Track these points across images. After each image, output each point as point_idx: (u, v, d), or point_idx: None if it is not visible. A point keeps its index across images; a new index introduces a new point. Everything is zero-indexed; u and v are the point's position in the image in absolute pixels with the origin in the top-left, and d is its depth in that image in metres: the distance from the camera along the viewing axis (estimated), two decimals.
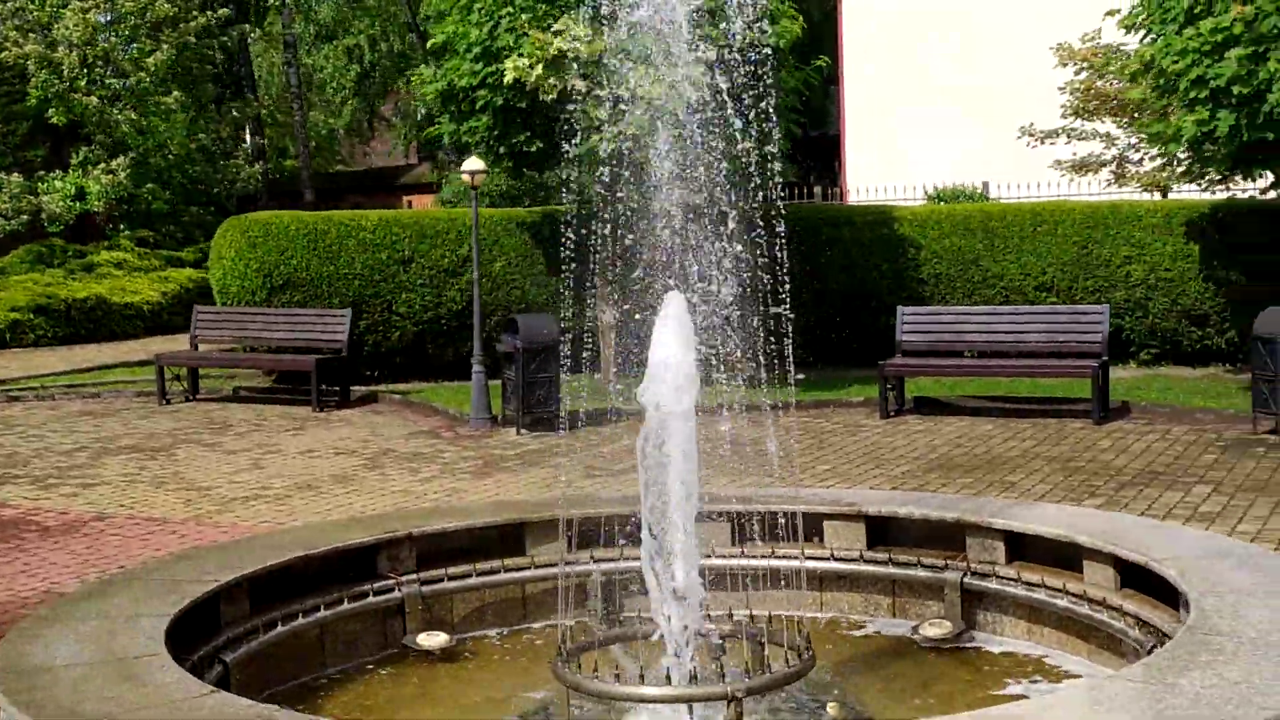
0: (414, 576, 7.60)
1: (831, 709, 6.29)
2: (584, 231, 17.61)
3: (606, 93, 14.51)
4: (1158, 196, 20.95)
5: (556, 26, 14.57)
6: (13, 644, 5.69)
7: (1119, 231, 18.13)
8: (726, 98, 7.16)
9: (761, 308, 7.31)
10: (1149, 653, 6.13)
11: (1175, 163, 18.41)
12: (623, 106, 13.77)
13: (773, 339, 7.35)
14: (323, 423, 15.65)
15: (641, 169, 8.07)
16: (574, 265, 18.61)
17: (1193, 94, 13.32)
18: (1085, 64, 20.21)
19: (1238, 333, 17.44)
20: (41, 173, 29.27)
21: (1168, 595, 6.37)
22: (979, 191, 24.84)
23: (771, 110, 7.44)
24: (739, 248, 6.92)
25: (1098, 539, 6.93)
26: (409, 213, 21.20)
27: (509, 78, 14.59)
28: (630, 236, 7.19)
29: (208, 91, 33.96)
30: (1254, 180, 16.44)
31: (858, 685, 6.73)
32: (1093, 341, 14.82)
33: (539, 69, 14.46)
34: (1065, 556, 7.18)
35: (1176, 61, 13.34)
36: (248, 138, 39.38)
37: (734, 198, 6.92)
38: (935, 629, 7.34)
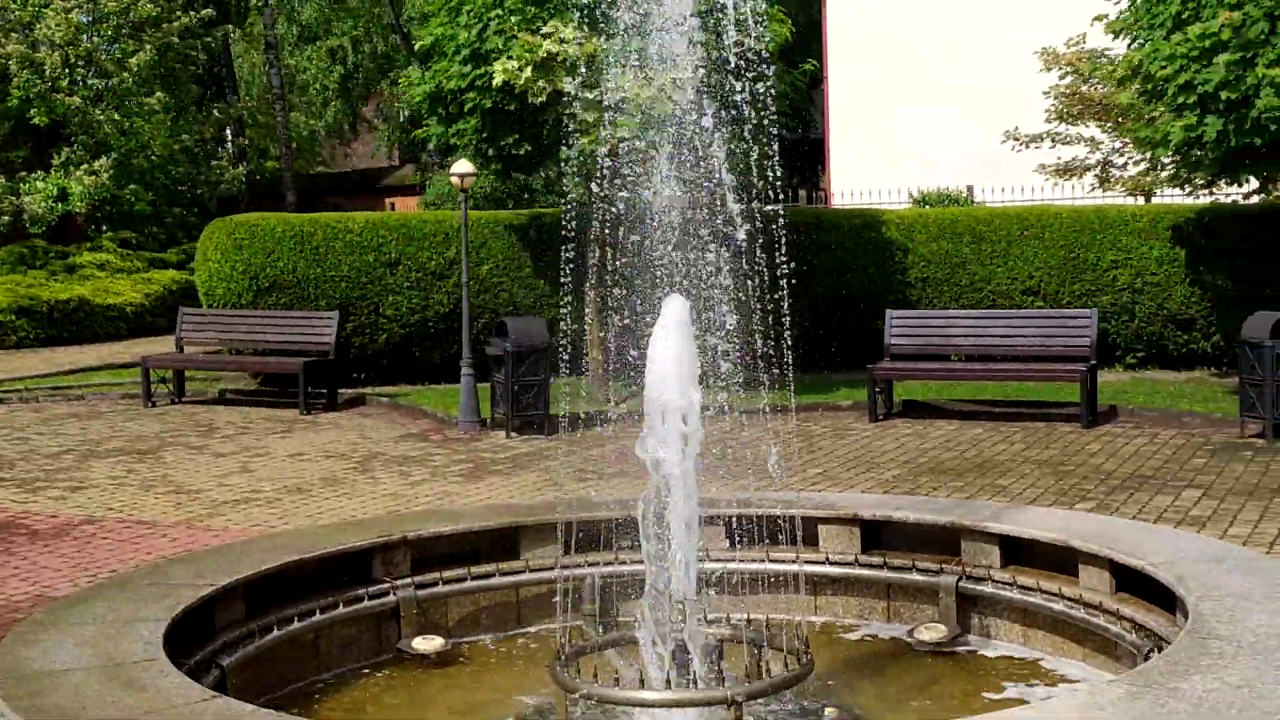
0: (409, 580, 7.59)
1: (830, 713, 6.31)
2: (573, 234, 17.60)
3: (595, 95, 14.51)
4: (1141, 201, 21.03)
5: (546, 29, 14.56)
6: (10, 649, 5.67)
7: (1105, 236, 18.19)
8: (721, 100, 7.16)
9: (756, 312, 7.31)
10: (1146, 657, 6.16)
11: (1159, 167, 18.51)
12: (621, 108, 13.78)
13: (766, 343, 7.35)
14: (310, 425, 15.61)
15: (631, 172, 8.08)
16: (563, 267, 18.69)
17: (1180, 99, 13.36)
18: (1070, 68, 20.26)
19: (1223, 337, 17.52)
20: (23, 173, 29.12)
21: (1163, 599, 6.40)
22: (964, 195, 24.92)
23: (773, 110, 7.42)
24: (732, 252, 6.92)
25: (1093, 543, 6.96)
26: (396, 215, 21.16)
27: (498, 80, 14.57)
28: (621, 239, 7.17)
29: (191, 92, 33.85)
30: (1240, 185, 16.51)
31: (855, 689, 6.75)
32: (1081, 345, 14.86)
33: (528, 71, 14.44)
34: (1060, 560, 7.20)
35: (1164, 67, 13.39)
36: (230, 139, 39.27)
37: (727, 202, 6.93)
38: (931, 633, 7.35)
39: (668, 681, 5.82)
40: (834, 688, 6.66)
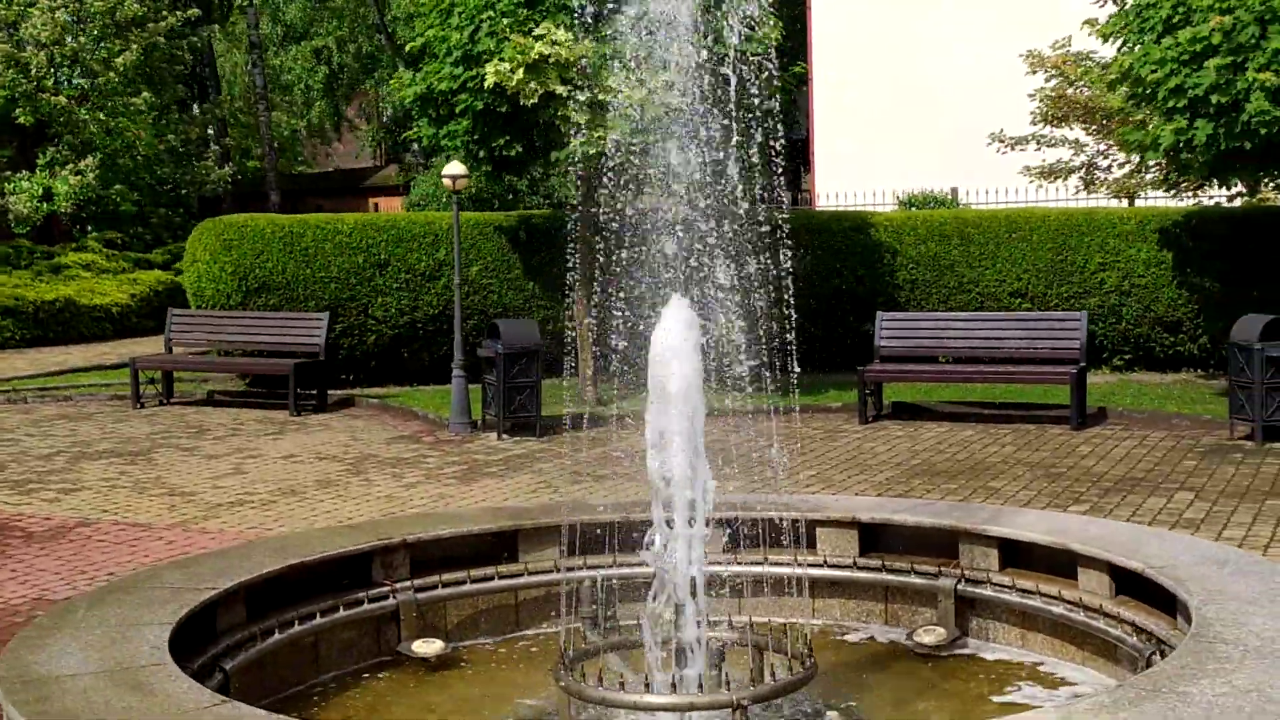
0: (408, 583, 7.59)
1: (831, 716, 6.33)
2: (564, 235, 17.56)
3: (587, 98, 14.53)
4: (1125, 203, 21.12)
5: (538, 31, 14.56)
6: (16, 654, 5.65)
7: (1093, 238, 18.27)
8: (715, 101, 7.17)
9: (755, 313, 7.32)
10: (1148, 660, 6.19)
11: (1144, 169, 18.58)
12: (615, 109, 13.80)
13: (766, 344, 7.36)
14: (301, 427, 15.59)
15: (626, 174, 8.09)
16: (553, 269, 18.68)
17: (1171, 103, 13.42)
18: (1055, 71, 20.33)
19: (1210, 339, 17.61)
20: (8, 173, 29.03)
21: (1163, 602, 6.43)
22: (949, 197, 25.00)
23: (777, 113, 7.44)
24: (731, 254, 6.93)
25: (1092, 546, 6.98)
26: (385, 216, 21.14)
27: (490, 82, 14.56)
28: (617, 241, 7.16)
29: (176, 92, 33.76)
30: (1229, 188, 16.60)
31: (855, 692, 6.77)
32: (1070, 347, 14.92)
33: (520, 73, 14.45)
34: (1058, 563, 7.23)
35: (1155, 70, 13.44)
36: (214, 139, 39.20)
37: (722, 204, 6.94)
38: (930, 635, 7.37)
39: (673, 685, 5.84)
40: (835, 691, 6.68)
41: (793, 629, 6.29)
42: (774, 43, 16.01)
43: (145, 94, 30.19)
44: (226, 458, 13.58)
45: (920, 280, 19.00)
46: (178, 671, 5.43)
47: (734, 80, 7.31)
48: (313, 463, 13.20)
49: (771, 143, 7.49)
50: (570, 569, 7.41)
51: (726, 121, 7.14)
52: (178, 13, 31.33)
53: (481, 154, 15.70)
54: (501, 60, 14.54)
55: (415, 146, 39.75)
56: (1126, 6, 14.76)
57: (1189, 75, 13.25)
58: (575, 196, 17.01)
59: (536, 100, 14.59)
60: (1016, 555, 7.45)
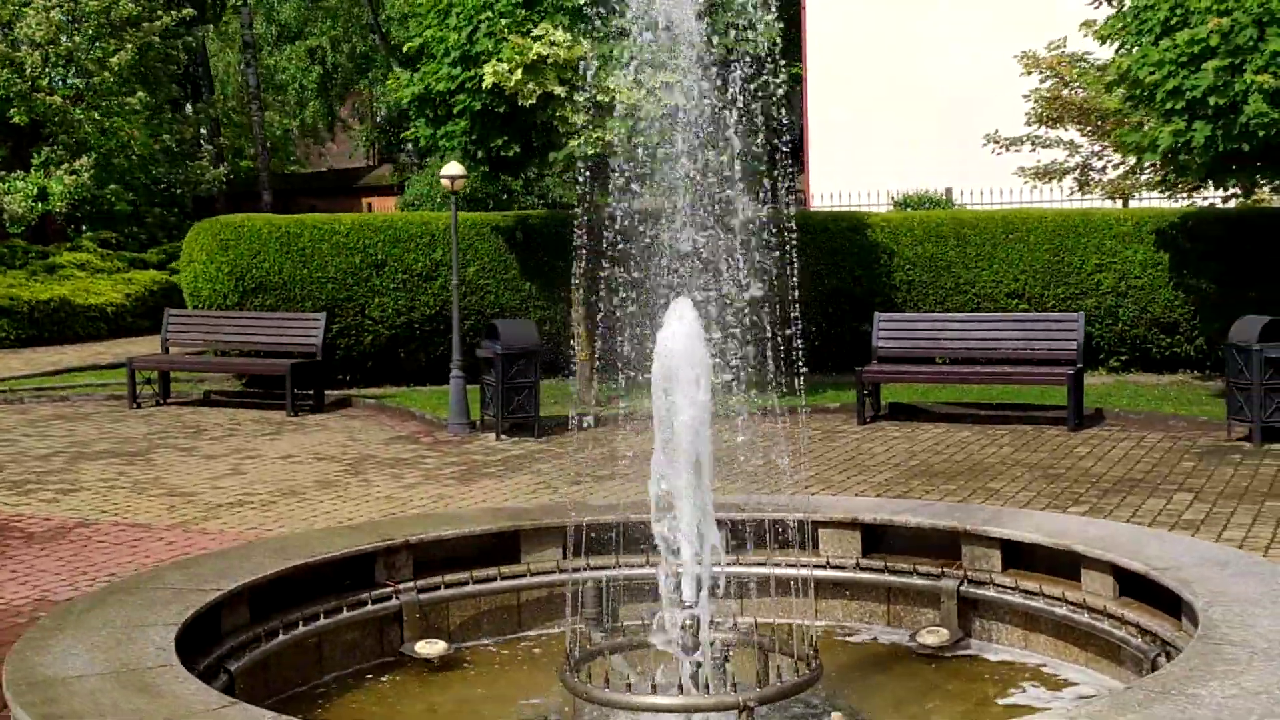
0: (411, 584, 7.59)
1: (836, 717, 6.33)
2: (562, 235, 17.56)
3: (585, 98, 14.53)
4: (1119, 204, 21.14)
5: (536, 31, 14.56)
6: (22, 655, 5.65)
7: (1090, 240, 18.29)
8: (715, 101, 7.17)
9: (759, 316, 7.32)
10: (1152, 661, 6.21)
11: (1139, 171, 18.60)
12: (617, 108, 13.79)
13: (766, 345, 7.36)
14: (298, 427, 15.57)
15: (627, 173, 8.08)
16: (550, 269, 18.69)
17: (1169, 104, 13.44)
18: (1051, 72, 20.35)
19: (1206, 340, 17.64)
20: (3, 173, 28.97)
21: (1167, 603, 6.44)
22: (943, 197, 25.02)
23: (783, 114, 7.44)
24: (733, 254, 6.93)
25: (1095, 547, 7.00)
26: (382, 216, 21.12)
27: (488, 82, 14.56)
28: (617, 241, 7.16)
29: (170, 92, 33.72)
30: (1226, 190, 16.63)
31: (859, 692, 6.78)
32: (1068, 349, 14.93)
33: (518, 74, 14.45)
34: (1061, 564, 7.24)
35: (1153, 72, 13.46)
36: (208, 139, 39.17)
37: (725, 204, 6.94)
38: (933, 637, 7.39)
39: (680, 687, 5.85)
40: (838, 692, 6.69)
41: (797, 630, 6.29)
42: (773, 42, 16.06)
43: (140, 94, 30.14)
44: (225, 458, 13.57)
45: (917, 281, 19.02)
46: (185, 673, 5.43)
47: (735, 79, 7.31)
48: (311, 463, 13.19)
49: (777, 140, 7.48)
50: (571, 570, 7.42)
51: (728, 121, 7.15)
52: (172, 12, 31.28)
53: (479, 154, 15.71)
54: (500, 61, 14.54)
55: (409, 147, 39.74)
56: (1124, 8, 14.77)
57: (1187, 77, 13.27)
58: (571, 196, 17.01)
59: (535, 101, 14.60)
60: (1018, 556, 7.46)
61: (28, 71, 28.37)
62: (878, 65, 27.60)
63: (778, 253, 7.30)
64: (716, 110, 7.08)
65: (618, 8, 7.31)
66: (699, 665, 6.02)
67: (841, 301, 18.90)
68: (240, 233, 18.62)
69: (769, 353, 7.16)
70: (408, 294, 18.58)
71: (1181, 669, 5.02)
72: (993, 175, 22.68)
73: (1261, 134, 12.99)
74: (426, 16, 15.90)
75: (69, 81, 29.99)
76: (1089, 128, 20.15)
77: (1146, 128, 14.21)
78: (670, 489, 6.15)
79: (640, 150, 8.26)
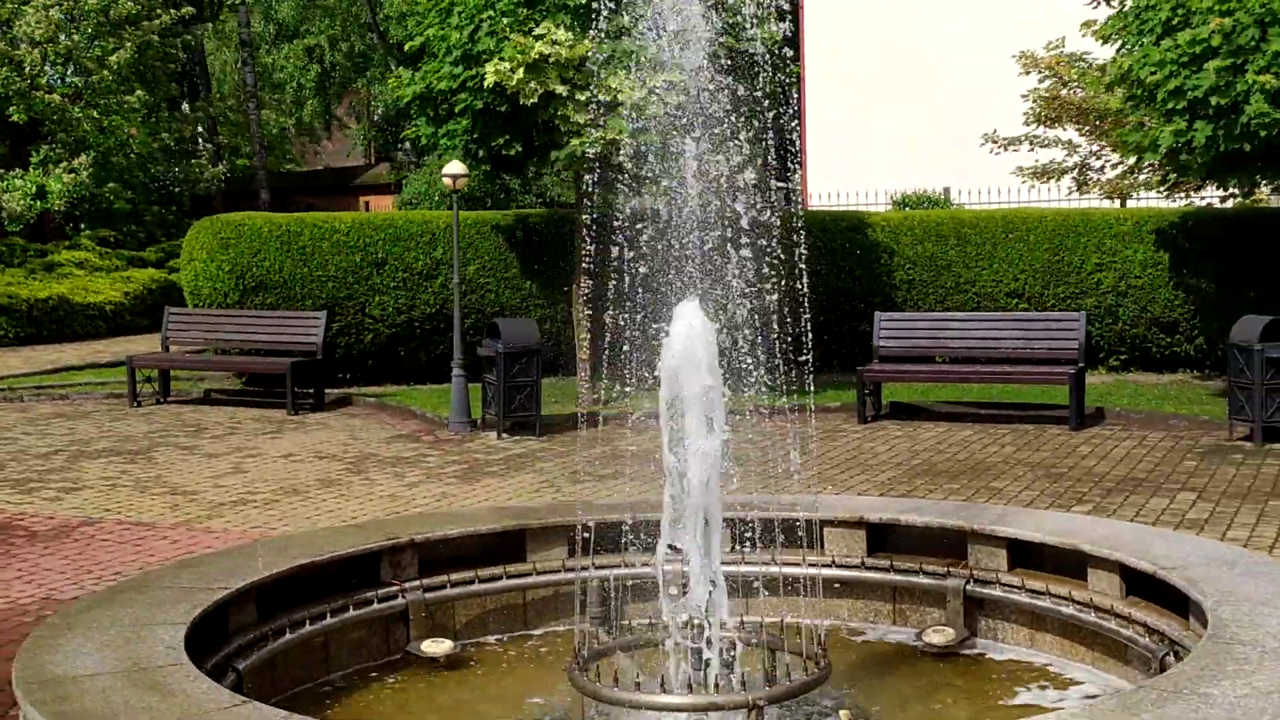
0: (417, 583, 7.59)
1: (844, 715, 6.33)
2: (562, 234, 17.55)
3: (586, 97, 14.53)
4: (1117, 204, 21.17)
5: (538, 30, 14.55)
6: (32, 653, 5.64)
7: (1089, 239, 18.31)
8: (719, 100, 7.17)
9: (765, 316, 7.33)
10: (1161, 661, 6.22)
11: (1137, 171, 18.62)
12: (622, 107, 13.79)
13: (769, 345, 7.36)
14: (299, 426, 15.57)
15: (630, 173, 8.09)
16: (550, 268, 18.68)
17: (1170, 104, 13.45)
18: (1049, 72, 20.38)
19: (1206, 339, 17.66)
20: (1, 171, 28.96)
21: (1174, 603, 6.45)
22: (941, 197, 25.04)
23: (785, 114, 7.46)
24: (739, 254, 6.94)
25: (1102, 546, 7.00)
26: (382, 215, 21.11)
27: (490, 81, 14.55)
28: (621, 240, 7.16)
29: (169, 90, 33.69)
30: (1227, 189, 16.64)
31: (866, 691, 6.78)
32: (1069, 348, 14.95)
33: (520, 73, 14.44)
34: (1066, 564, 7.25)
35: (1154, 72, 13.47)
36: (206, 137, 39.15)
37: (730, 203, 6.95)
38: (939, 636, 7.39)
39: (690, 685, 5.85)
40: (845, 690, 6.69)
41: (807, 629, 6.30)
42: (775, 41, 16.06)
43: (139, 92, 30.13)
44: (226, 456, 13.56)
45: (917, 280, 19.04)
46: (195, 671, 5.42)
47: (739, 78, 7.31)
48: (313, 462, 13.18)
49: (787, 135, 7.48)
50: (577, 569, 7.42)
51: (733, 119, 7.15)
52: (171, 10, 31.26)
53: (481, 153, 15.70)
54: (501, 60, 14.53)
55: (407, 145, 39.74)
56: (1126, 8, 14.78)
57: (1189, 77, 13.28)
58: (569, 195, 17.00)
59: (536, 100, 14.59)
60: (1025, 556, 7.46)
61: (27, 69, 28.36)
62: (875, 64, 27.64)
63: (783, 254, 7.31)
64: (721, 110, 7.09)
65: (618, 6, 7.32)
66: (707, 664, 6.04)
67: (841, 300, 18.90)
68: (241, 231, 18.62)
69: (775, 352, 7.18)
70: (408, 293, 18.58)
71: (1193, 668, 5.03)
72: (991, 175, 22.71)
73: (1263, 134, 13.00)
74: (428, 15, 15.89)
75: (68, 80, 29.99)
76: (1087, 128, 20.19)
77: (1148, 127, 14.22)
78: (675, 494, 6.15)
79: (643, 149, 8.27)
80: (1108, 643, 6.88)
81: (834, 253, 19.05)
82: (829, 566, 7.86)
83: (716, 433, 6.06)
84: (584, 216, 15.81)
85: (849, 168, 26.47)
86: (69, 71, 29.99)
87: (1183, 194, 18.81)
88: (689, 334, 6.05)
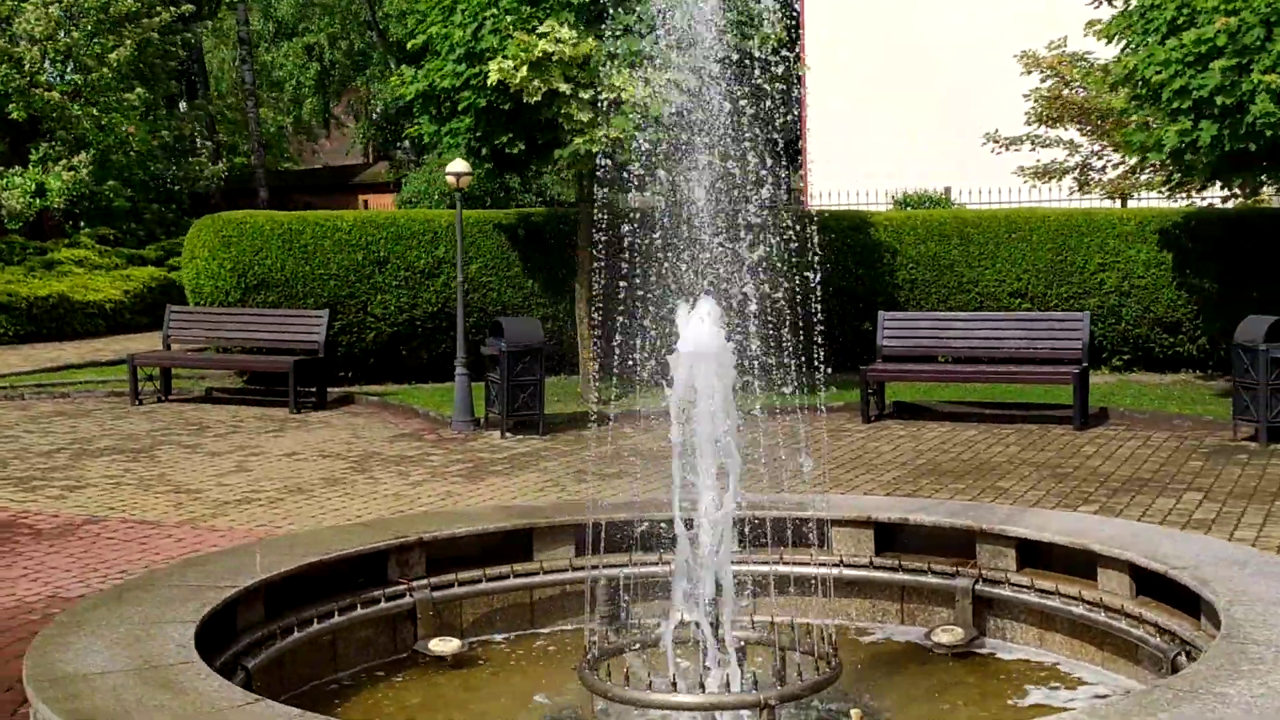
0: (424, 582, 7.57)
1: (855, 714, 6.32)
2: (565, 233, 17.51)
3: (590, 95, 14.51)
4: (1119, 204, 21.17)
5: (541, 29, 14.54)
6: (42, 651, 5.63)
7: (1093, 239, 18.30)
8: (724, 98, 7.15)
9: (775, 315, 7.31)
10: (1172, 661, 6.20)
11: (1139, 171, 18.62)
12: (627, 106, 13.76)
13: (779, 344, 7.34)
14: (302, 424, 15.55)
15: (634, 171, 8.06)
16: (552, 267, 18.66)
17: (1175, 104, 13.44)
18: (1051, 71, 20.37)
19: (1209, 339, 17.65)
20: (1, 169, 28.93)
21: (1185, 603, 6.43)
22: (943, 196, 25.03)
23: (793, 109, 7.44)
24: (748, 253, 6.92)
25: (1111, 546, 6.99)
26: (384, 213, 21.09)
27: (493, 79, 14.53)
28: (627, 239, 7.14)
29: (169, 88, 33.66)
30: (1232, 189, 16.63)
31: (876, 691, 6.76)
32: (1073, 348, 14.93)
33: (523, 71, 14.42)
34: (1076, 563, 7.23)
35: (1159, 72, 13.46)
36: (205, 135, 39.12)
37: (735, 203, 6.93)
38: (948, 635, 7.37)
39: (701, 685, 5.83)
40: (854, 690, 6.67)
41: (817, 628, 6.28)
42: (777, 41, 16.05)
43: (139, 90, 30.10)
44: (229, 455, 13.54)
45: (920, 280, 19.03)
46: (206, 669, 5.41)
47: (741, 77, 7.29)
48: (316, 460, 13.16)
49: (794, 129, 7.48)
50: (585, 567, 7.41)
51: (737, 118, 7.13)
52: (171, 8, 31.24)
53: (484, 151, 15.68)
54: (505, 58, 14.51)
55: (406, 144, 39.70)
56: (1130, 7, 14.77)
57: (1194, 77, 13.28)
58: (570, 194, 16.97)
59: (539, 98, 14.57)
60: (1034, 555, 7.45)
61: (26, 67, 28.33)
62: (876, 55, 27.61)
63: (801, 253, 7.29)
64: (727, 108, 7.07)
65: (620, 4, 7.30)
66: (718, 663, 6.03)
67: (844, 300, 18.87)
68: (242, 229, 18.60)
69: (782, 351, 7.16)
70: (410, 291, 18.56)
71: (1208, 668, 5.02)
72: (991, 172, 22.69)
73: (1269, 134, 13.00)
74: (431, 13, 15.87)
75: (67, 77, 29.96)
76: (1089, 127, 20.18)
77: (1152, 127, 14.21)
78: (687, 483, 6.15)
79: (646, 148, 8.24)
80: (1118, 643, 6.86)
81: (836, 252, 19.02)
82: (837, 566, 7.85)
83: (729, 500, 6.08)
84: (594, 213, 15.79)
85: (849, 160, 26.41)
86: (68, 69, 29.96)
87: (1185, 194, 18.80)
88: (705, 382, 6.12)
